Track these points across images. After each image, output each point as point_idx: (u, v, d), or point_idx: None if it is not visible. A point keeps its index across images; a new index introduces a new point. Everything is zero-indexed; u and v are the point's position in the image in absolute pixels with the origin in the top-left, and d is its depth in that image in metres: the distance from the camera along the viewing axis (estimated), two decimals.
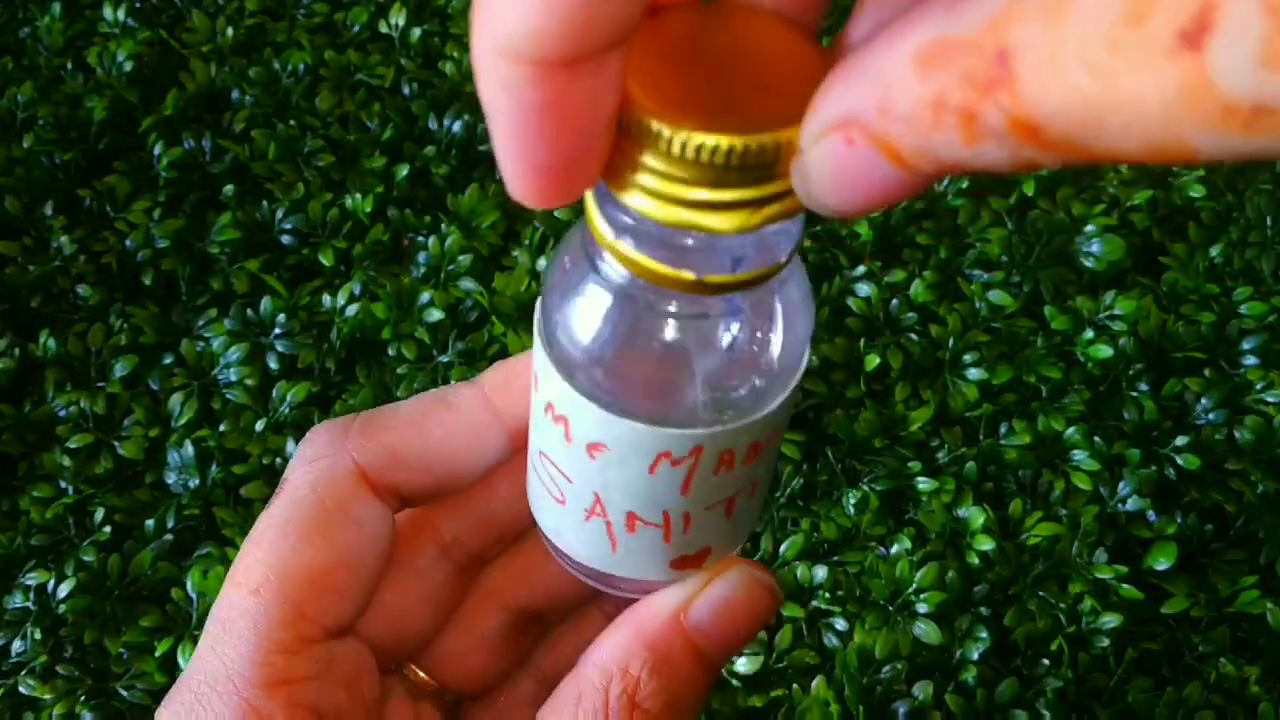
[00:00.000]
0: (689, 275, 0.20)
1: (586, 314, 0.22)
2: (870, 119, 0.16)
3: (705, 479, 0.23)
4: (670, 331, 0.22)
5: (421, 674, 0.30)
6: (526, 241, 0.64)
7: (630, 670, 0.25)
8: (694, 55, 0.18)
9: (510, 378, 0.28)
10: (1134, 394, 0.59)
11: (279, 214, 0.64)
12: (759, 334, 0.23)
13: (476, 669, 0.31)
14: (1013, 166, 0.16)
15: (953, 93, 0.15)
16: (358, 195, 0.65)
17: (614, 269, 0.21)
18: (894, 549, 0.54)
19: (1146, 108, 0.13)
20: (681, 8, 0.19)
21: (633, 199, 0.19)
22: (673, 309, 0.21)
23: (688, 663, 0.26)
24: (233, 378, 0.59)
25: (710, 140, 0.17)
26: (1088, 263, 0.64)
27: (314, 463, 0.27)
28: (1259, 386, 0.59)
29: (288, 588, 0.26)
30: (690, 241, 0.19)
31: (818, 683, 0.51)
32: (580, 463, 0.24)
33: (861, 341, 0.60)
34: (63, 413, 0.58)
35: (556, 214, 0.64)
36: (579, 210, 0.22)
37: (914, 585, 0.52)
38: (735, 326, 0.22)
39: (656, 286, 0.20)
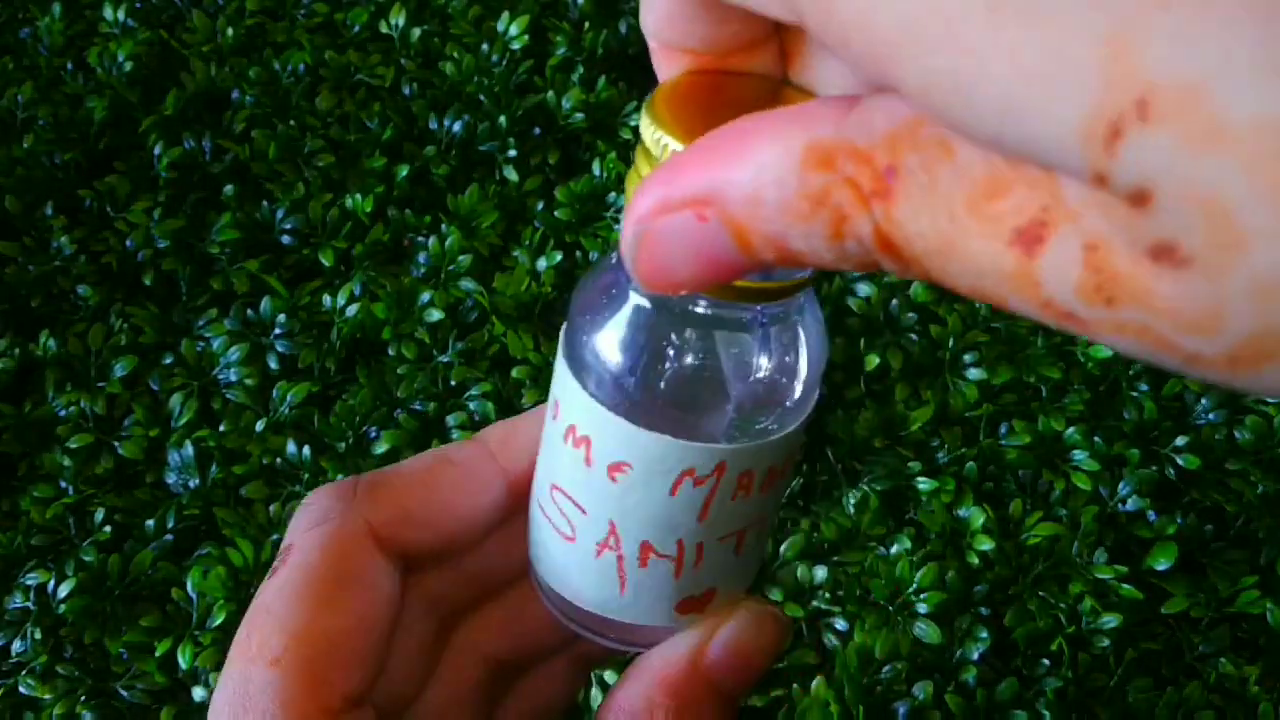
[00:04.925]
0: None
1: (620, 328, 0.23)
2: (732, 200, 0.17)
3: (724, 503, 0.24)
4: (702, 344, 0.23)
5: None
6: (526, 241, 0.64)
7: (654, 718, 0.25)
8: (714, 101, 0.20)
9: (512, 433, 0.28)
10: (1134, 394, 0.59)
11: (279, 214, 0.64)
12: (786, 355, 0.23)
13: None
14: (855, 266, 0.17)
15: (836, 192, 0.16)
16: (358, 195, 0.65)
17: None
18: (894, 549, 0.54)
19: (983, 268, 0.15)
20: (714, 72, 0.21)
21: None
22: (707, 315, 0.23)
23: (710, 705, 0.26)
24: (233, 378, 0.59)
25: (676, 144, 0.19)
26: None
27: (321, 526, 0.26)
28: None
29: (309, 656, 0.25)
30: None
31: (818, 683, 0.51)
32: (599, 488, 0.24)
33: (861, 341, 0.60)
34: (63, 413, 0.58)
35: (557, 214, 0.64)
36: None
37: (914, 585, 0.52)
38: (765, 343, 0.23)
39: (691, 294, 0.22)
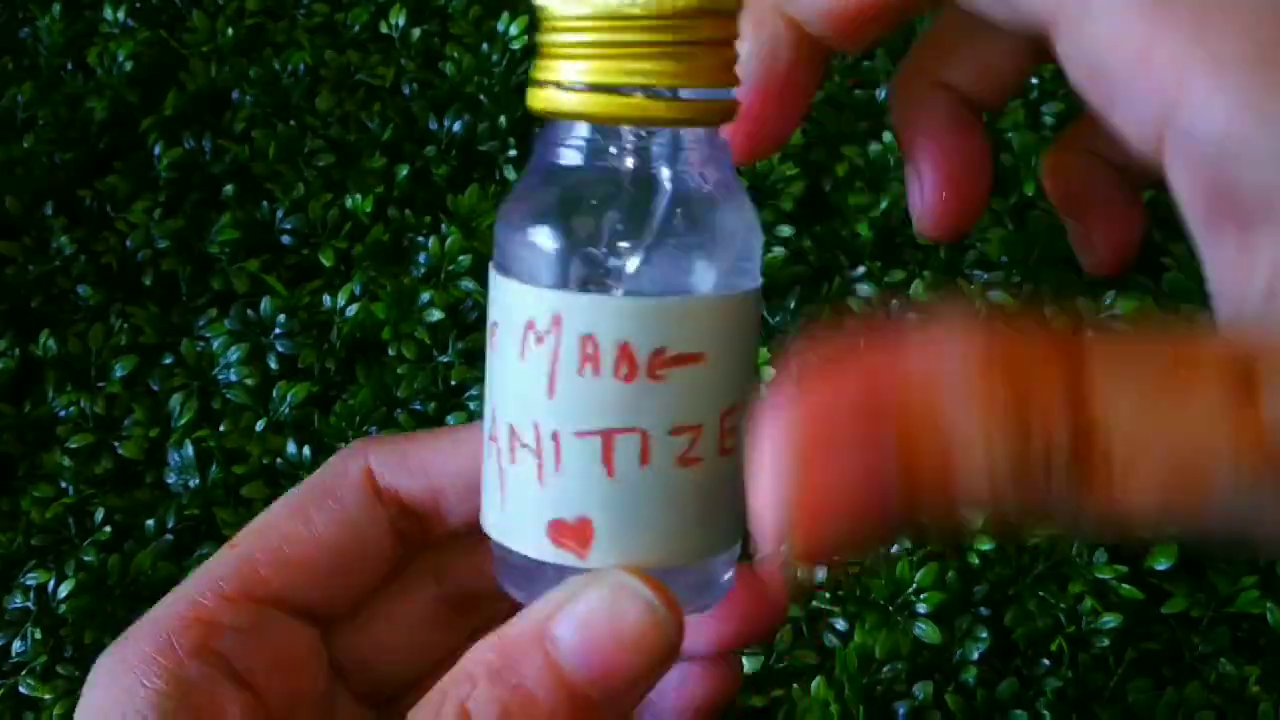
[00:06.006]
0: (631, 98, 0.21)
1: (524, 199, 0.23)
2: (911, 392, 0.16)
3: (571, 378, 0.21)
4: (586, 182, 0.22)
5: None
6: None
7: (474, 677, 0.21)
8: None
9: None
10: None
11: (279, 214, 0.64)
12: (674, 208, 0.22)
13: None
14: (1020, 496, 0.16)
15: (1037, 387, 0.15)
16: (358, 195, 0.65)
17: (559, 139, 0.22)
18: (894, 549, 0.54)
19: (1194, 438, 0.15)
20: None
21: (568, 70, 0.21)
22: (594, 144, 0.22)
23: (548, 692, 0.21)
24: (233, 378, 0.59)
25: None
26: None
27: (332, 460, 0.29)
28: None
29: (257, 546, 0.27)
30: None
31: (818, 683, 0.51)
32: (488, 362, 0.23)
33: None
34: (63, 413, 0.58)
35: None
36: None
37: (914, 585, 0.52)
38: (650, 186, 0.22)
39: (601, 125, 0.21)
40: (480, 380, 0.60)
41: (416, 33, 0.71)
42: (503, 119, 0.67)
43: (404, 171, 0.66)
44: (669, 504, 0.22)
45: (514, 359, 0.22)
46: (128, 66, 0.69)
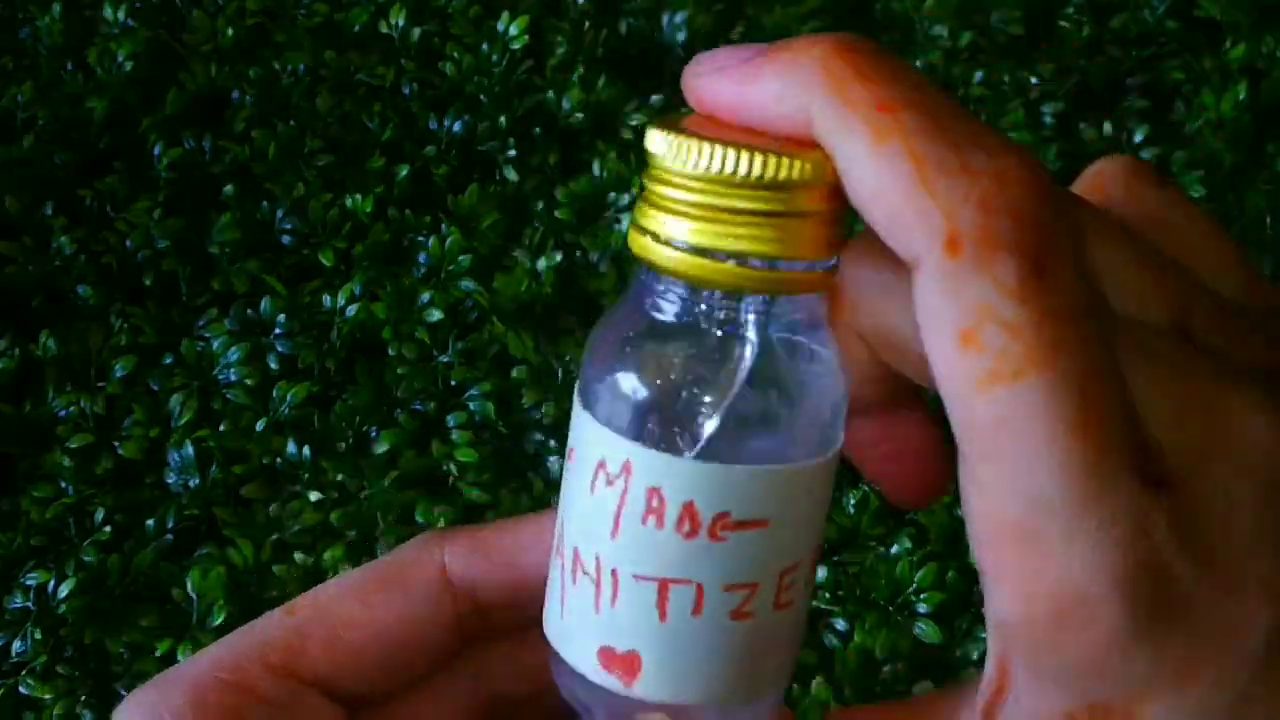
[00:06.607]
0: (728, 265, 0.21)
1: (609, 330, 0.23)
2: None
3: (634, 524, 0.22)
4: (670, 329, 0.22)
5: None
6: (526, 242, 0.64)
7: None
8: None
9: None
10: None
11: (279, 214, 0.64)
12: (763, 382, 0.22)
13: None
14: None
15: None
16: (358, 195, 0.65)
17: (654, 288, 0.22)
18: (894, 549, 0.54)
19: None
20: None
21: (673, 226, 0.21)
22: (691, 311, 0.22)
23: None
24: (233, 378, 0.59)
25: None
26: None
27: (408, 545, 0.28)
28: None
29: (310, 619, 0.26)
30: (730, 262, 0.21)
31: (817, 683, 0.51)
32: (564, 478, 0.23)
33: None
34: (63, 413, 0.58)
35: (557, 214, 0.64)
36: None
37: (914, 585, 0.52)
38: (734, 348, 0.22)
39: (697, 286, 0.21)
40: (479, 380, 0.60)
41: (416, 33, 0.71)
42: (503, 119, 0.67)
43: (404, 171, 0.66)
44: (717, 651, 0.23)
45: (585, 490, 0.22)
46: (128, 66, 0.69)
